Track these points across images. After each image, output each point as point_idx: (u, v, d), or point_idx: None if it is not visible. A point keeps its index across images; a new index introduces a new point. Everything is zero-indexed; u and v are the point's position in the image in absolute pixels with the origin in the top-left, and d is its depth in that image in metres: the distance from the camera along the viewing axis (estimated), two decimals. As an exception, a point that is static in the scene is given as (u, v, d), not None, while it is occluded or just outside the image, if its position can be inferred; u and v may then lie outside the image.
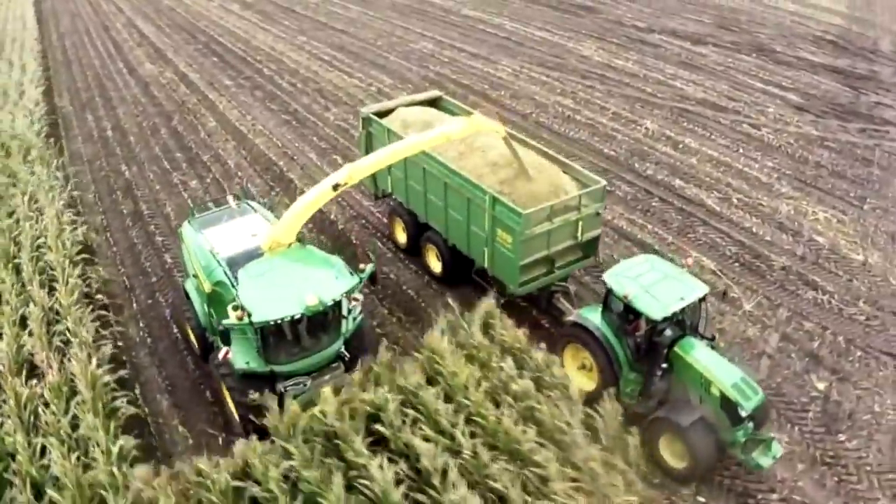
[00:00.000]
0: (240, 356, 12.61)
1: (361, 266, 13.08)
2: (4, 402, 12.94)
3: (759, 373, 14.79)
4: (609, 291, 12.80)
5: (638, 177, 22.39)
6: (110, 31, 43.50)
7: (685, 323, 12.71)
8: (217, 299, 13.45)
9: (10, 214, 19.62)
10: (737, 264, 18.29)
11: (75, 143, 27.89)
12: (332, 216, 20.98)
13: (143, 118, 29.65)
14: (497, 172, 15.48)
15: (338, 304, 12.55)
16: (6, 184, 21.39)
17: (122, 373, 14.53)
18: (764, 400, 12.00)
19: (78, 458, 11.40)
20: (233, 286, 12.84)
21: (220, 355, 12.78)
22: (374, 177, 18.19)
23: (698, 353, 12.27)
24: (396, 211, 18.60)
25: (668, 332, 12.52)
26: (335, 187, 13.52)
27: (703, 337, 12.98)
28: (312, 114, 28.69)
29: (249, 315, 11.65)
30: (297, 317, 11.89)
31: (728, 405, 11.70)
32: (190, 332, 15.54)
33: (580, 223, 14.77)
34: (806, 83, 29.73)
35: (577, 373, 13.76)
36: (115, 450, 11.35)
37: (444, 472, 9.97)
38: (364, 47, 36.40)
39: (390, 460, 10.38)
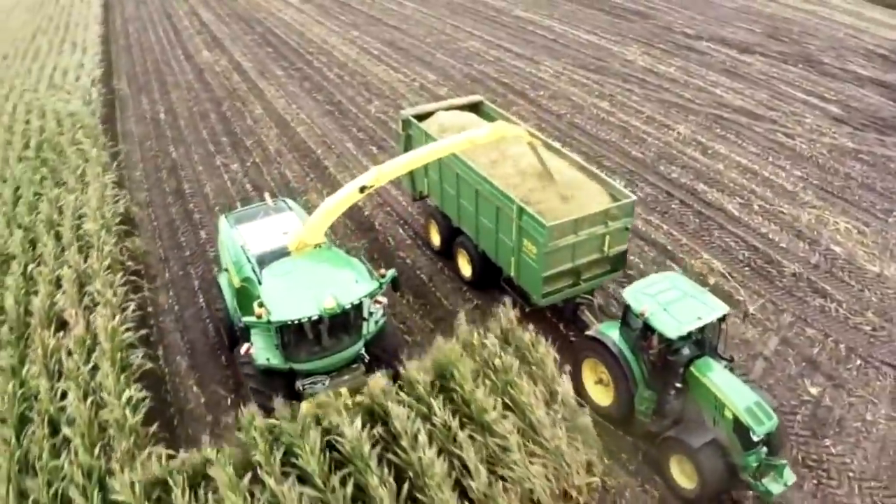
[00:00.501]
0: (261, 352, 12.81)
1: (382, 271, 13.17)
2: (32, 350, 14.18)
3: (751, 374, 14.97)
4: (627, 308, 12.69)
5: (661, 179, 22.60)
6: (172, 18, 45.63)
7: (705, 343, 12.52)
8: (245, 294, 13.66)
9: (58, 184, 21.10)
10: (747, 269, 18.40)
11: (128, 124, 29.56)
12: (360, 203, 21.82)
13: (195, 103, 31.16)
14: (527, 182, 15.48)
15: (358, 307, 12.60)
16: (57, 158, 22.94)
17: (143, 331, 15.70)
18: (777, 425, 11.72)
19: (92, 403, 12.49)
20: (258, 283, 13.04)
21: (243, 350, 13.05)
22: (412, 179, 18.59)
23: (714, 375, 12.05)
24: (432, 213, 18.69)
25: (686, 352, 12.38)
26: (362, 189, 13.71)
27: (721, 358, 12.74)
28: (355, 105, 29.69)
29: (269, 314, 11.90)
30: (315, 318, 12.03)
31: (741, 429, 11.51)
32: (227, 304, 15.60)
33: (607, 237, 14.59)
34: (849, 95, 29.28)
35: (594, 387, 13.82)
36: (124, 397, 12.36)
37: (416, 436, 10.62)
38: (413, 44, 37.27)
39: (370, 424, 11.09)
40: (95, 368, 13.52)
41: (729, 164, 23.51)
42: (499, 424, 10.54)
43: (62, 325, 15.12)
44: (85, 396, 12.60)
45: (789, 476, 11.84)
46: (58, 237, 18.59)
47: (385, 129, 26.93)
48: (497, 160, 16.28)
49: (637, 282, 13.31)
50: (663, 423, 12.72)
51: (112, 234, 18.84)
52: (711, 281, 17.71)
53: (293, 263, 13.35)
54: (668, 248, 18.90)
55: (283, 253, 13.73)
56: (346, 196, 13.77)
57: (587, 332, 13.78)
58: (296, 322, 12.03)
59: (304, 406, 12.05)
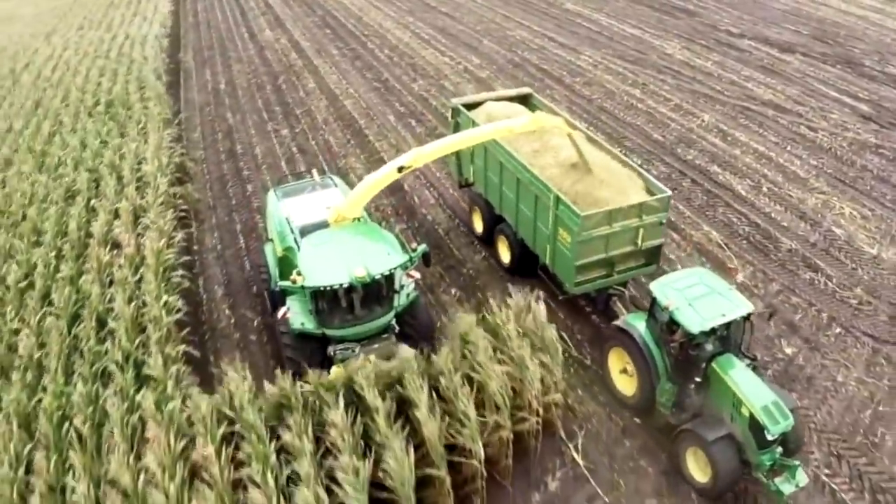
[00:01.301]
0: (297, 317, 13.41)
1: (413, 245, 13.98)
2: (89, 264, 16.46)
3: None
4: (653, 300, 12.82)
5: (677, 160, 23.69)
6: (240, -1, 48.55)
7: (729, 340, 12.64)
8: (286, 263, 14.22)
9: (121, 136, 23.58)
10: (745, 242, 19.40)
11: (191, 93, 32.12)
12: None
13: (254, 77, 33.53)
14: (566, 172, 15.79)
15: (389, 279, 13.15)
16: (123, 114, 25.49)
17: (186, 258, 17.90)
18: (793, 426, 11.73)
19: (135, 305, 14.61)
20: (298, 251, 13.78)
21: (280, 314, 13.76)
22: (459, 166, 19.22)
23: (734, 372, 12.11)
24: (476, 200, 19.08)
25: (710, 347, 12.49)
26: (400, 169, 14.29)
27: (745, 356, 12.85)
28: (400, 84, 31.54)
29: (304, 279, 12.65)
30: (346, 286, 12.63)
31: (756, 427, 11.58)
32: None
33: (641, 230, 14.74)
34: (883, 96, 29.52)
35: (619, 376, 14.08)
36: (162, 301, 14.43)
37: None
38: (463, 30, 38.94)
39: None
40: (141, 280, 15.65)
41: (746, 150, 24.38)
42: (473, 334, 12.07)
43: (116, 246, 17.35)
44: (129, 300, 14.71)
45: (802, 477, 11.85)
46: (118, 178, 20.93)
47: (425, 105, 28.69)
48: (539, 150, 16.67)
49: (666, 275, 13.52)
50: (682, 416, 12.80)
51: (166, 178, 21.07)
52: (709, 249, 18.85)
53: (331, 234, 14.05)
54: (672, 219, 20.03)
55: (324, 225, 14.41)
56: (385, 175, 14.41)
57: (615, 322, 14.00)
58: (328, 288, 12.64)
59: (334, 370, 12.72)
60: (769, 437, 11.51)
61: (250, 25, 41.98)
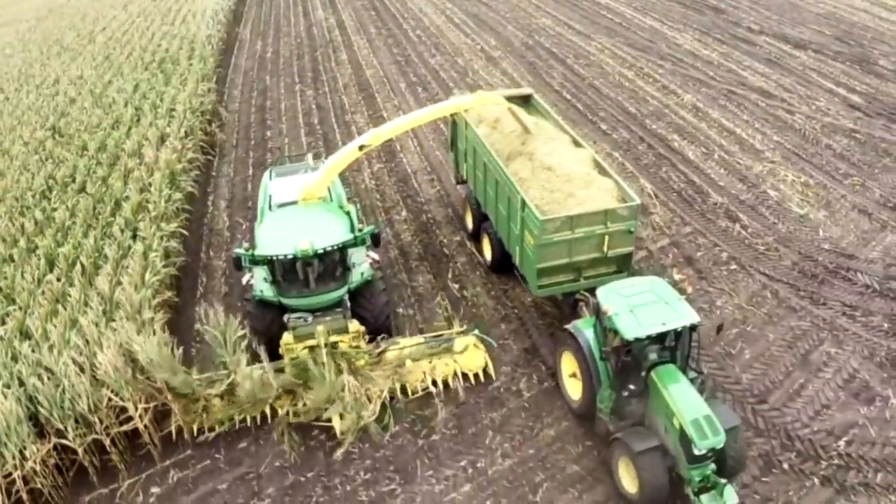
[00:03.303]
0: (257, 284, 14.49)
1: (360, 226, 14.64)
2: (117, 170, 20.73)
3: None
4: (598, 305, 12.65)
5: (642, 129, 26.17)
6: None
7: (676, 351, 12.36)
8: None
9: (166, 83, 28.03)
10: (675, 195, 21.75)
11: (241, 59, 36.82)
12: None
13: (297, 48, 37.89)
14: (538, 175, 15.75)
15: (341, 254, 14.14)
16: (171, 69, 30.04)
17: (197, 172, 21.98)
18: (737, 447, 11.64)
19: (144, 195, 18.70)
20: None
21: (244, 280, 15.06)
22: (456, 163, 19.95)
23: (671, 383, 11.82)
24: (468, 197, 19.44)
25: (653, 356, 12.29)
26: (361, 148, 15.30)
27: (692, 369, 12.57)
28: (420, 59, 35.08)
29: (254, 248, 13.87)
30: (290, 256, 13.55)
31: (686, 441, 11.26)
32: None
33: (607, 237, 14.66)
34: (882, 91, 29.47)
35: (569, 380, 14.07)
36: (165, 195, 18.48)
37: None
38: (493, 17, 42.12)
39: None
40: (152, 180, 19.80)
41: (712, 125, 26.48)
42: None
43: (141, 159, 21.57)
44: (141, 191, 18.76)
45: (730, 497, 11.39)
46: (156, 115, 25.25)
47: (435, 77, 32.14)
48: (519, 151, 16.89)
49: (616, 281, 13.34)
50: (620, 424, 12.58)
51: (196, 116, 25.28)
52: (641, 199, 21.22)
53: (293, 211, 15.02)
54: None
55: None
56: (347, 154, 15.43)
57: (565, 326, 13.85)
58: (274, 258, 13.65)
59: (286, 336, 14.14)
60: (696, 452, 11.14)
61: (306, 5, 46.61)
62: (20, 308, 14.87)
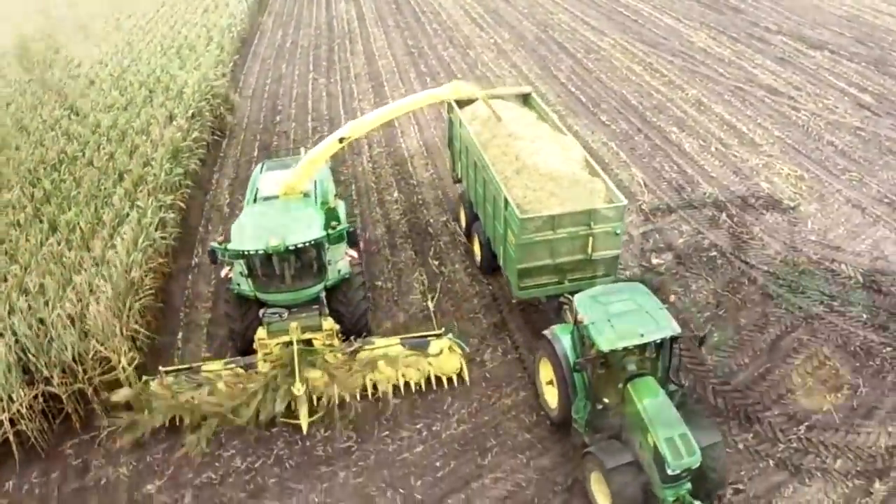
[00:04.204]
0: (235, 277, 14.50)
1: (333, 224, 14.50)
2: (124, 146, 21.77)
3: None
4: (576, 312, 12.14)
5: (642, 121, 26.39)
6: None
7: (657, 362, 11.89)
8: None
9: (180, 68, 29.13)
10: (665, 183, 21.96)
11: (260, 48, 38.00)
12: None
13: (315, 39, 38.94)
14: (523, 175, 15.36)
15: (316, 252, 14.00)
16: (189, 54, 31.15)
17: (203, 151, 22.93)
18: (698, 463, 10.67)
19: (148, 168, 19.68)
20: None
21: (223, 273, 15.09)
22: (453, 162, 19.86)
23: (648, 397, 11.21)
24: (462, 196, 19.31)
25: (631, 368, 11.76)
26: (340, 140, 15.23)
27: (673, 382, 11.93)
28: (433, 50, 35.77)
29: (227, 242, 13.74)
30: (261, 252, 13.40)
31: (659, 459, 10.62)
32: None
33: (591, 239, 14.23)
34: (894, 92, 29.43)
35: (546, 387, 13.52)
36: (166, 168, 19.41)
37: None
38: (510, 12, 42.57)
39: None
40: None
41: (712, 119, 26.55)
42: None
43: (148, 136, 22.59)
44: (144, 165, 19.83)
45: None
46: (167, 96, 26.29)
47: (445, 69, 32.77)
48: (504, 153, 16.44)
49: (595, 287, 12.95)
50: (595, 436, 12.01)
51: (205, 99, 26.25)
52: (626, 186, 21.58)
53: (270, 206, 15.00)
54: (607, 160, 23.02)
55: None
56: (327, 147, 15.33)
57: (544, 332, 13.28)
58: (246, 253, 13.48)
59: (260, 330, 14.35)
60: (669, 472, 10.51)
61: (328, -3, 47.68)
62: (22, 268, 15.80)
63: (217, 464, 13.40)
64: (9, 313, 14.41)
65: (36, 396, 13.34)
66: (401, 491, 12.71)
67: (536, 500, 12.43)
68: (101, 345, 13.58)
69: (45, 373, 13.36)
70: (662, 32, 38.15)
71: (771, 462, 12.80)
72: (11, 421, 13.10)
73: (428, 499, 12.58)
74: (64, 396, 13.66)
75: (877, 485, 12.33)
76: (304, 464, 13.33)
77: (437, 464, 13.19)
